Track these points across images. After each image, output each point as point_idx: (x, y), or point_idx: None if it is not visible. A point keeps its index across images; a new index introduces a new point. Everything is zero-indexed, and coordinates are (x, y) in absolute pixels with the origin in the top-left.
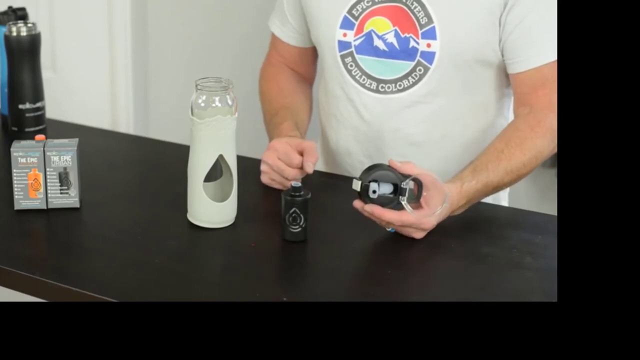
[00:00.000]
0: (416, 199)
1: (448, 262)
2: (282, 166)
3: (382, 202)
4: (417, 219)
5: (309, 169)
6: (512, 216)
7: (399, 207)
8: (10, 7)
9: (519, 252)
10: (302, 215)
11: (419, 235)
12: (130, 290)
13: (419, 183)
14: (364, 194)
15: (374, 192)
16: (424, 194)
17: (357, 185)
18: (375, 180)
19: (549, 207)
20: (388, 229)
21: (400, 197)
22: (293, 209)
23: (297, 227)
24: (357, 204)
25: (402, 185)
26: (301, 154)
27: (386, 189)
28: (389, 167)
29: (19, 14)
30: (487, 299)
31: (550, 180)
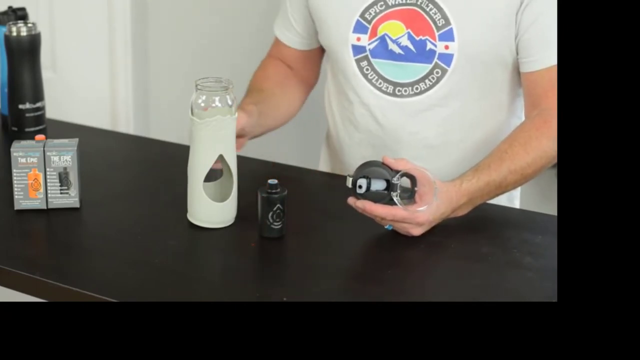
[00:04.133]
0: (410, 195)
1: (448, 262)
2: None
3: (375, 198)
4: (409, 213)
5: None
6: (512, 216)
7: (392, 203)
8: (10, 7)
9: (519, 252)
10: (284, 211)
11: (416, 231)
12: (130, 290)
13: (413, 179)
14: (354, 191)
15: (360, 187)
16: (417, 189)
17: (349, 182)
18: (366, 177)
19: (549, 207)
20: (385, 227)
21: (392, 192)
22: (277, 206)
23: (279, 223)
24: (351, 200)
25: (392, 181)
26: None
27: (379, 185)
28: (382, 164)
29: (19, 14)
30: (487, 299)
31: (550, 180)
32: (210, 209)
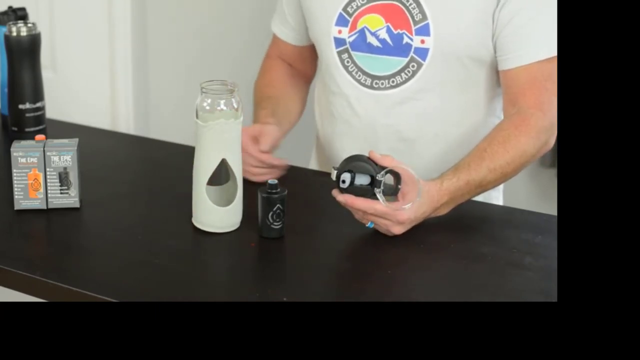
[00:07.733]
0: (394, 192)
1: (448, 262)
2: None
3: (358, 193)
4: (390, 209)
5: (264, 147)
6: (512, 216)
7: (375, 199)
8: (10, 7)
9: (519, 252)
10: (284, 211)
11: (396, 229)
12: (130, 290)
13: (397, 177)
14: (337, 184)
15: (344, 182)
16: (400, 187)
17: (333, 175)
18: (350, 171)
19: (549, 207)
20: (367, 225)
21: (375, 188)
22: (277, 206)
23: (279, 223)
24: (335, 192)
25: (377, 177)
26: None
27: (363, 180)
28: (368, 159)
29: (19, 14)
30: (487, 299)
31: (550, 180)
32: (213, 213)
